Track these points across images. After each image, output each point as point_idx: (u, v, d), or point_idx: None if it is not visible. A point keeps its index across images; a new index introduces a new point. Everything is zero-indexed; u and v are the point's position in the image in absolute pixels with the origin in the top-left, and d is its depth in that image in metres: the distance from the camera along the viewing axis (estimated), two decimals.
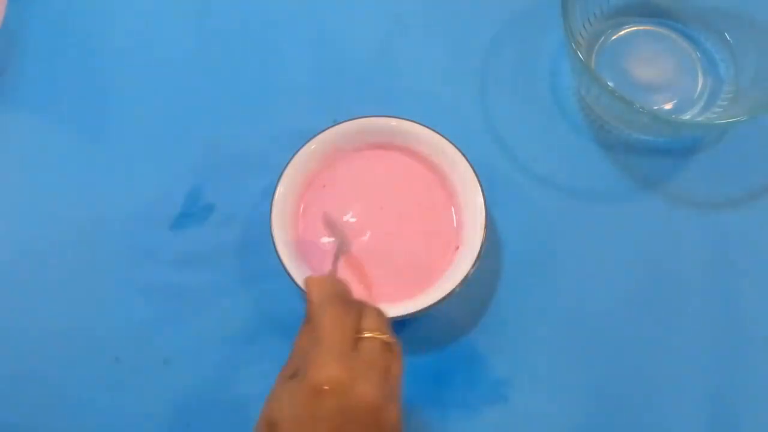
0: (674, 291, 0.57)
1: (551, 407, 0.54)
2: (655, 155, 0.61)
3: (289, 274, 0.51)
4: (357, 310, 0.41)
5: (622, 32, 0.63)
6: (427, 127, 0.55)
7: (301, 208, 0.55)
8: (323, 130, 0.55)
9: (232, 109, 0.62)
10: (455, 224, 0.55)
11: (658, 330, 0.56)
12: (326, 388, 0.36)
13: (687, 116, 0.60)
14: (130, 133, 0.61)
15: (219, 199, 0.59)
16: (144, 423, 0.54)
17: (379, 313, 0.41)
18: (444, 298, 0.50)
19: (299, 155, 0.54)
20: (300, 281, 0.51)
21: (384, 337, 0.40)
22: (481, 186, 0.53)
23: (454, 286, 0.50)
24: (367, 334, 0.39)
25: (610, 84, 0.55)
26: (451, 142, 0.54)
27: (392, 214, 0.55)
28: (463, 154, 0.53)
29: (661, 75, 0.62)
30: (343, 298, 0.41)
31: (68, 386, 0.55)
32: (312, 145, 0.54)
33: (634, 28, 0.63)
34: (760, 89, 0.57)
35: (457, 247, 0.54)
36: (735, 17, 0.60)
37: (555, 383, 0.55)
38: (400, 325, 0.55)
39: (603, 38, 0.63)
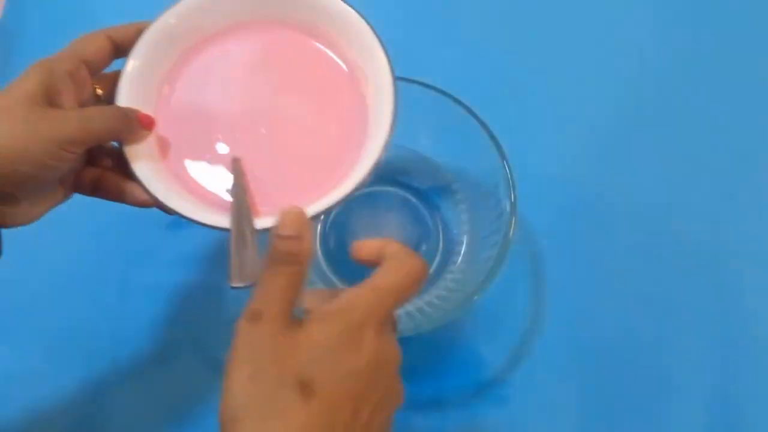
0: (676, 291, 0.57)
1: (551, 408, 0.54)
2: None
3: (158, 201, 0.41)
4: None
5: None
6: None
7: (164, 94, 0.44)
8: None
9: None
10: (360, 114, 0.43)
11: (658, 330, 0.56)
12: (362, 327, 0.34)
13: None
14: None
15: None
16: (143, 423, 0.54)
17: None
18: (354, 190, 0.40)
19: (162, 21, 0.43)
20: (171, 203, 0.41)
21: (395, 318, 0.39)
22: (387, 57, 0.41)
23: (363, 176, 0.39)
24: None
25: None
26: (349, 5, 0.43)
27: (283, 104, 0.44)
28: (366, 20, 0.42)
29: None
30: None
31: (66, 386, 0.55)
32: (171, 19, 0.43)
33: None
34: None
35: (364, 141, 0.42)
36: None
37: (555, 384, 0.54)
38: None
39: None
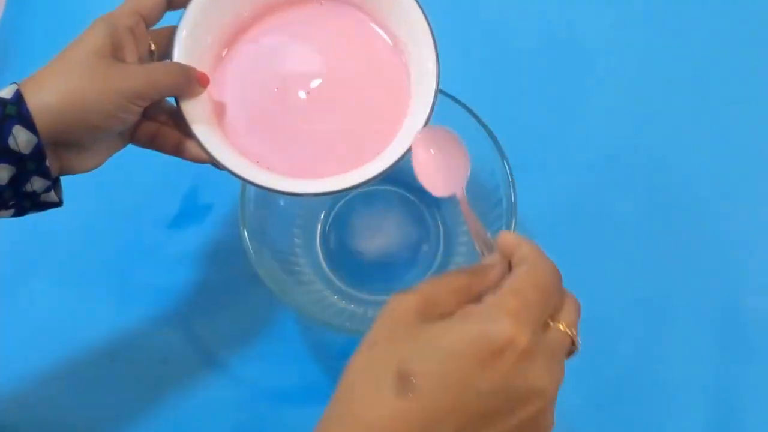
0: (678, 293, 0.57)
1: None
2: None
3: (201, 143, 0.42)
4: (561, 294, 0.34)
5: None
6: None
7: (220, 58, 0.46)
8: None
9: None
10: (407, 85, 0.46)
11: (659, 332, 0.56)
12: (502, 350, 0.29)
13: None
14: None
15: (217, 199, 0.59)
16: (141, 423, 0.54)
17: (578, 310, 0.34)
18: (395, 163, 0.42)
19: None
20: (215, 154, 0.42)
21: (576, 338, 0.33)
22: (432, 36, 0.43)
23: (403, 152, 0.42)
24: (560, 326, 0.33)
25: None
26: None
27: (331, 77, 0.45)
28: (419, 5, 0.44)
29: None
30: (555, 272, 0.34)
31: (65, 385, 0.54)
32: None
33: None
34: None
35: (407, 113, 0.45)
36: None
37: None
38: None
39: None
